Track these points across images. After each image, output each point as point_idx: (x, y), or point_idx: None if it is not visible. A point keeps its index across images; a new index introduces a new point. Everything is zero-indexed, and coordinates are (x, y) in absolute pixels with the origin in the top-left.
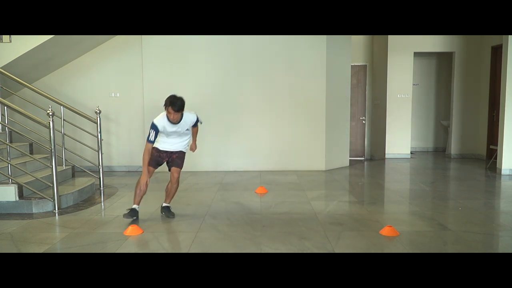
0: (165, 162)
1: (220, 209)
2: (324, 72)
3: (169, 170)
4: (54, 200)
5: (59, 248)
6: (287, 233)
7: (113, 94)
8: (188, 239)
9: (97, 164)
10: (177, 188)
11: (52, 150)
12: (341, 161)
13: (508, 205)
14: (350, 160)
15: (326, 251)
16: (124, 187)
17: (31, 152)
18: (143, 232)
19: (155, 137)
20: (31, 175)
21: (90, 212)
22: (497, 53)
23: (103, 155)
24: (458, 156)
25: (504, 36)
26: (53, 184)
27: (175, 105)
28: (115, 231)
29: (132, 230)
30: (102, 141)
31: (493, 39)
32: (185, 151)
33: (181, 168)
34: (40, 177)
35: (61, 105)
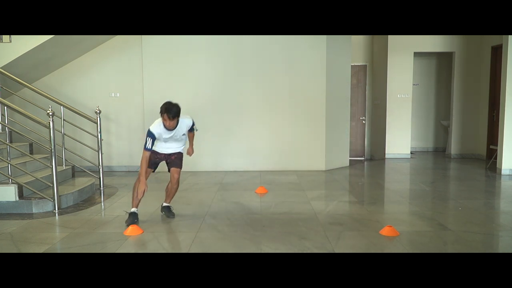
0: (165, 163)
1: (220, 209)
2: (324, 72)
3: (169, 171)
4: (54, 200)
5: (59, 248)
6: (287, 233)
7: (113, 94)
8: (188, 239)
9: (97, 164)
10: (177, 188)
11: (52, 150)
12: (341, 161)
13: (508, 205)
14: (350, 160)
15: (326, 251)
16: (124, 187)
17: (31, 152)
18: (143, 232)
19: (152, 144)
20: (31, 175)
21: (90, 212)
22: (497, 53)
23: (103, 155)
24: (458, 156)
25: (504, 36)
26: (53, 184)
27: (170, 111)
28: (115, 231)
29: (132, 230)
30: (102, 141)
31: (493, 39)
32: (182, 152)
33: (180, 168)
34: (40, 177)
35: (61, 105)
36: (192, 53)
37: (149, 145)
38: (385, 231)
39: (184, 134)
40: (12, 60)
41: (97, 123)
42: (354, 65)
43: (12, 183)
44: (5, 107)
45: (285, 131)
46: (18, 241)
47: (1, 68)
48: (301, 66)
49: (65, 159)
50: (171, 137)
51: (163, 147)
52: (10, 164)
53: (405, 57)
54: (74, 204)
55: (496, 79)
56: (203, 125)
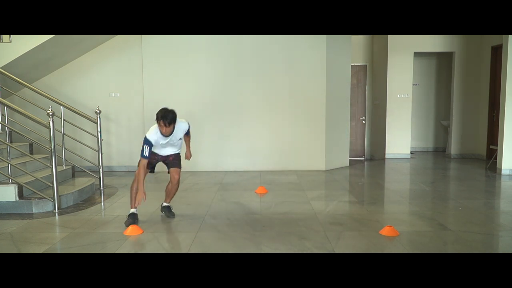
0: (164, 163)
1: (220, 209)
2: (324, 72)
3: (168, 172)
4: (54, 200)
5: (59, 248)
6: (287, 233)
7: (113, 94)
8: (188, 239)
9: (97, 164)
10: (177, 188)
11: (52, 150)
12: (341, 161)
13: (508, 205)
14: (350, 160)
15: (326, 251)
16: (124, 187)
17: (31, 152)
18: (143, 232)
19: (150, 152)
20: (31, 175)
21: (90, 212)
22: (497, 53)
23: (103, 155)
24: (458, 156)
25: (504, 36)
26: (53, 184)
27: (166, 118)
28: (115, 231)
29: (132, 230)
30: (102, 141)
31: (493, 39)
32: (180, 152)
33: (180, 168)
34: (40, 177)
35: (61, 105)
36: (192, 53)
37: (146, 153)
38: (385, 231)
39: (180, 139)
40: (12, 60)
41: (97, 123)
42: (354, 65)
43: (12, 183)
44: (5, 107)
45: (285, 131)
46: (18, 241)
47: (1, 68)
48: (301, 66)
49: (65, 159)
50: (167, 142)
51: (160, 151)
52: (10, 164)
53: (405, 57)
54: (74, 204)
55: (496, 79)
56: (203, 125)
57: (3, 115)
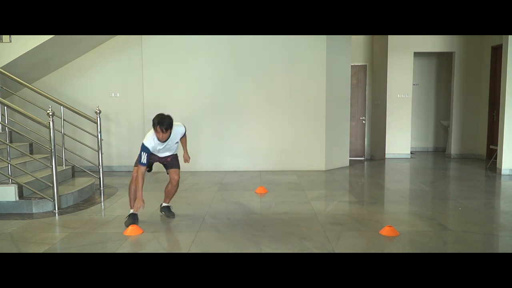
0: (161, 164)
1: (220, 209)
2: (324, 72)
3: (167, 172)
4: (54, 200)
5: (59, 248)
6: (287, 233)
7: (113, 94)
8: (188, 239)
9: (97, 164)
10: (176, 189)
11: (52, 150)
12: (341, 161)
13: (508, 205)
14: (350, 160)
15: (326, 251)
16: (124, 187)
17: (31, 152)
18: (143, 232)
19: (147, 159)
20: (31, 175)
21: (90, 212)
22: (497, 53)
23: (103, 155)
24: (458, 156)
25: (504, 36)
26: (53, 184)
27: (163, 124)
28: (115, 231)
29: (132, 230)
30: (102, 141)
31: (493, 39)
32: (177, 153)
33: (179, 168)
34: (40, 177)
35: (61, 105)
36: (192, 53)
37: (144, 160)
38: (385, 231)
39: (177, 142)
40: (12, 60)
41: (97, 123)
42: (354, 65)
43: (12, 183)
44: (5, 107)
45: (285, 131)
46: (18, 241)
47: (1, 68)
48: (301, 66)
49: (65, 159)
50: (164, 147)
51: (157, 153)
52: (10, 164)
53: (405, 57)
54: (74, 204)
55: (496, 79)
56: (203, 125)
57: (3, 115)
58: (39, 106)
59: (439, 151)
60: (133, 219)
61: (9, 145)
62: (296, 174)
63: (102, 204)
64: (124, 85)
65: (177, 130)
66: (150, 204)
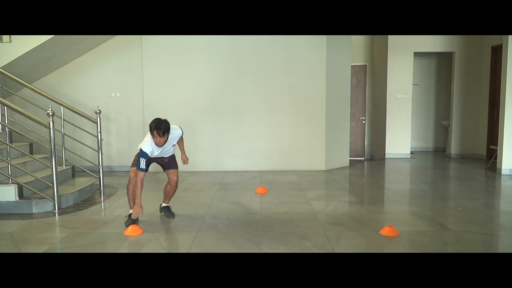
0: (159, 165)
1: (220, 209)
2: (324, 72)
3: (164, 172)
4: (54, 200)
5: (59, 248)
6: (287, 233)
7: (113, 94)
8: (188, 239)
9: (97, 164)
10: (176, 189)
11: (52, 150)
12: (341, 161)
13: (508, 205)
14: (350, 160)
15: (326, 251)
16: (124, 187)
17: (31, 152)
18: (143, 232)
19: (146, 164)
20: (31, 175)
21: (90, 212)
22: (497, 53)
23: (103, 155)
24: (458, 156)
25: (504, 36)
26: (53, 184)
27: (160, 128)
28: (115, 231)
29: (132, 230)
30: (102, 141)
31: (493, 39)
32: (174, 153)
33: (177, 168)
34: (40, 177)
35: (61, 105)
36: (192, 53)
37: (143, 166)
38: (385, 231)
39: (174, 145)
40: (12, 60)
41: (97, 123)
42: (354, 65)
43: (12, 183)
44: (5, 107)
45: (285, 131)
46: (18, 241)
47: (1, 68)
48: (301, 66)
49: (65, 159)
50: (162, 151)
51: (154, 156)
52: (10, 164)
53: (405, 57)
54: (74, 204)
55: (496, 79)
56: (203, 125)
57: (3, 115)
58: (39, 106)
59: (439, 151)
60: (133, 219)
61: (9, 145)
62: (296, 174)
63: (102, 204)
64: (124, 85)
65: (174, 133)
66: (150, 204)
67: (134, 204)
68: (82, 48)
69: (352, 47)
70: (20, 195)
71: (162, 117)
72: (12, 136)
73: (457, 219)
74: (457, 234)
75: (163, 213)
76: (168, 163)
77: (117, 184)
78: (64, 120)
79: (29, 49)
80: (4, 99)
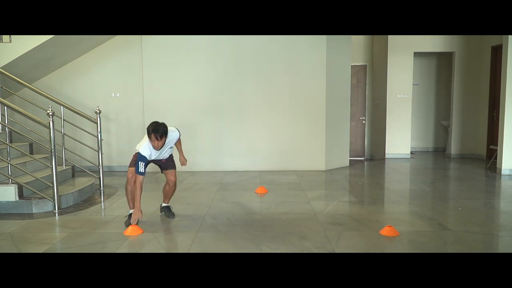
0: (157, 165)
1: (220, 209)
2: (324, 72)
3: (162, 172)
4: (54, 200)
5: (59, 248)
6: (287, 233)
7: (113, 94)
8: (188, 239)
9: (97, 164)
10: (175, 190)
11: (52, 150)
12: (341, 161)
13: (508, 205)
14: (350, 160)
15: (326, 251)
16: (124, 187)
17: (31, 152)
18: (143, 232)
19: (145, 167)
20: (31, 175)
21: (90, 212)
22: (497, 53)
23: (103, 155)
24: (458, 156)
25: (504, 36)
26: (53, 184)
27: (158, 131)
28: (115, 231)
29: (132, 230)
30: (102, 141)
31: (493, 39)
32: (172, 154)
33: (175, 169)
34: (40, 177)
35: (61, 105)
36: (192, 53)
37: (142, 169)
38: (385, 231)
39: (171, 147)
40: (12, 60)
41: (97, 123)
42: (354, 65)
43: (12, 183)
44: (5, 107)
45: (285, 131)
46: (18, 241)
47: (1, 68)
48: (301, 66)
49: (65, 159)
50: (159, 154)
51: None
52: (10, 164)
53: (405, 57)
54: (74, 204)
55: (496, 79)
56: (203, 125)
57: (3, 115)
58: (39, 106)
59: (439, 151)
60: (132, 224)
61: (9, 145)
62: (296, 174)
63: (102, 204)
64: (124, 85)
65: (172, 135)
66: (150, 204)
67: (133, 205)
68: (82, 48)
69: (352, 47)
70: (20, 195)
71: (162, 117)
72: (12, 136)
73: (457, 219)
74: (457, 234)
75: (163, 213)
76: (166, 164)
77: (117, 184)
78: (64, 120)
79: (29, 49)
80: (4, 99)
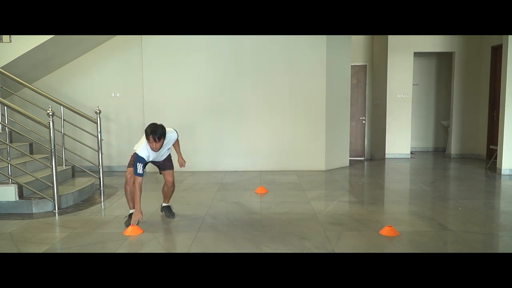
0: (155, 165)
1: (220, 209)
2: (324, 72)
3: (160, 173)
4: (54, 200)
5: (59, 248)
6: (287, 233)
7: (113, 94)
8: (188, 239)
9: (97, 164)
10: (173, 190)
11: (52, 150)
12: (341, 161)
13: (508, 205)
14: (350, 160)
15: (326, 251)
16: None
17: (31, 152)
18: (143, 232)
19: (143, 168)
20: (31, 175)
21: (90, 212)
22: (497, 53)
23: (103, 155)
24: (458, 156)
25: (504, 36)
26: (53, 184)
27: (156, 133)
28: (115, 231)
29: (132, 230)
30: (102, 141)
31: (493, 39)
32: (170, 154)
33: (173, 169)
34: (40, 177)
35: (61, 105)
36: (192, 53)
37: (140, 170)
38: (385, 231)
39: (169, 148)
40: (12, 60)
41: (97, 123)
42: (354, 65)
43: (12, 183)
44: (5, 107)
45: (285, 131)
46: (18, 241)
47: (1, 68)
48: (301, 66)
49: (65, 159)
50: (157, 155)
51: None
52: (10, 164)
53: (405, 57)
54: (74, 204)
55: (496, 79)
56: (203, 125)
57: (3, 115)
58: (39, 106)
59: (439, 151)
60: (132, 225)
61: (9, 145)
62: (296, 174)
63: (102, 204)
64: (124, 85)
65: (170, 137)
66: (150, 204)
67: (133, 205)
68: (82, 48)
69: (352, 47)
70: (20, 195)
71: (162, 117)
72: (12, 136)
73: (457, 219)
74: (457, 234)
75: (163, 212)
76: (164, 164)
77: (117, 184)
78: (64, 120)
79: (29, 49)
80: (4, 99)
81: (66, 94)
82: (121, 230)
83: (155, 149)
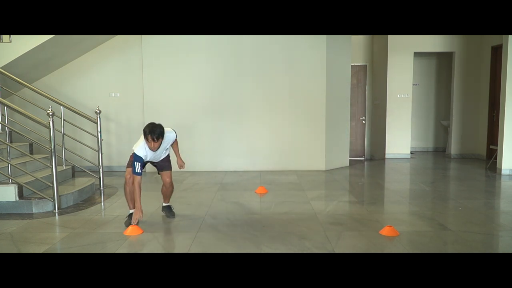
0: (153, 165)
1: (220, 209)
2: (324, 72)
3: (158, 173)
4: (54, 200)
5: (59, 248)
6: (287, 233)
7: (113, 94)
8: (188, 239)
9: (97, 164)
10: (172, 190)
11: (52, 150)
12: (341, 161)
13: (508, 205)
14: (350, 160)
15: (326, 251)
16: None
17: (31, 152)
18: (143, 232)
19: (141, 168)
20: (31, 175)
21: (90, 212)
22: (497, 53)
23: (103, 155)
24: (458, 156)
25: (504, 36)
26: (53, 184)
27: (154, 133)
28: (115, 231)
29: (132, 230)
30: (102, 141)
31: (493, 39)
32: (168, 154)
33: (171, 169)
34: (40, 177)
35: (61, 105)
36: (192, 53)
37: (138, 170)
38: (385, 231)
39: (167, 148)
40: (12, 60)
41: (97, 123)
42: (354, 65)
43: (12, 183)
44: (5, 107)
45: (285, 131)
46: (18, 241)
47: (1, 68)
48: (301, 66)
49: (65, 159)
50: (155, 155)
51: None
52: (10, 164)
53: (405, 57)
54: (74, 204)
55: (496, 79)
56: (203, 125)
57: (3, 115)
58: (39, 106)
59: (439, 151)
60: (132, 224)
61: (9, 145)
62: (296, 174)
63: (102, 204)
64: (124, 85)
65: (168, 136)
66: (150, 204)
67: (133, 205)
68: (82, 48)
69: (352, 47)
70: (20, 195)
71: (162, 117)
72: (12, 136)
73: (457, 219)
74: (457, 234)
75: (164, 212)
76: (162, 164)
77: (117, 184)
78: (64, 120)
79: (29, 49)
80: (4, 99)
81: (66, 94)
82: (121, 230)
83: (153, 149)
